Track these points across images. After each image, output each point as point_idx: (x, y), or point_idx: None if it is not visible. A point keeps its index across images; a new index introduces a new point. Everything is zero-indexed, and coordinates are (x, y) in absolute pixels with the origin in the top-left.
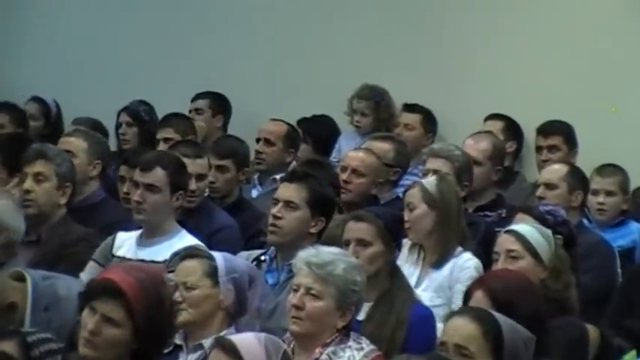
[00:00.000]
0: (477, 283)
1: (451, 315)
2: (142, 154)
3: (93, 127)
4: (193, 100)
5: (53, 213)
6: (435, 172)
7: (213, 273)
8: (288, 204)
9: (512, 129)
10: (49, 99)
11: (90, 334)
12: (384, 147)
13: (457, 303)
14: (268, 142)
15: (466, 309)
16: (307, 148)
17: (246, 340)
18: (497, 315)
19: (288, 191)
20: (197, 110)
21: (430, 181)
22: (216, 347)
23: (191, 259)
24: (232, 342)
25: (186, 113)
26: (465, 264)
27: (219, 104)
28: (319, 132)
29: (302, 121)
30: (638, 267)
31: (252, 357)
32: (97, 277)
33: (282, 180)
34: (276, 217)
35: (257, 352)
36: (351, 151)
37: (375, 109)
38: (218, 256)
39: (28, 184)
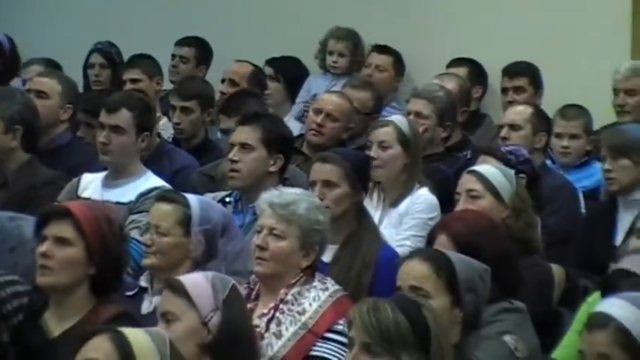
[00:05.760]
0: (439, 227)
1: (403, 260)
2: (97, 99)
3: (51, 67)
4: (178, 44)
5: (9, 157)
6: (417, 113)
7: (186, 221)
8: (243, 146)
9: (477, 73)
10: (1, 35)
11: (44, 258)
12: (364, 96)
13: (404, 234)
14: (233, 82)
15: (417, 251)
16: (278, 87)
17: (193, 278)
18: (448, 252)
19: (242, 134)
20: (182, 58)
21: (402, 121)
22: (166, 287)
23: (167, 202)
24: (180, 281)
25: (150, 54)
26: (418, 199)
27: (204, 54)
28: (291, 71)
29: (273, 61)
30: (597, 206)
31: (198, 293)
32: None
33: (236, 124)
34: (233, 162)
35: (204, 288)
36: (326, 94)
37: (353, 50)
38: (194, 203)
39: None
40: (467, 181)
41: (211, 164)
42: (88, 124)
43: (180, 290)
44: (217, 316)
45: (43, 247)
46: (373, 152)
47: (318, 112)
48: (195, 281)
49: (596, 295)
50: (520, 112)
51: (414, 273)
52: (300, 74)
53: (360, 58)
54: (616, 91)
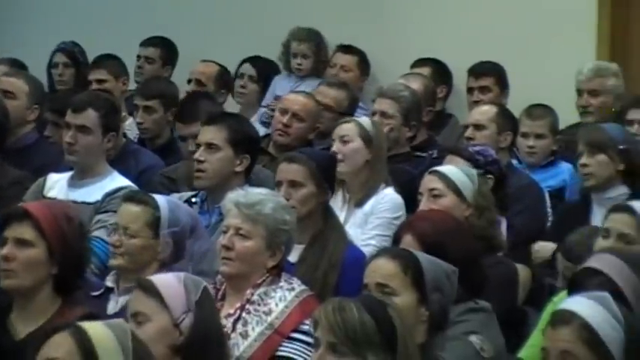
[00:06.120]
0: (405, 227)
1: (370, 258)
2: (65, 99)
3: (16, 67)
4: (143, 45)
5: None
6: (383, 113)
7: (155, 224)
8: (210, 146)
9: (441, 73)
10: None
11: (5, 261)
12: (340, 95)
13: (369, 233)
14: (199, 82)
15: (384, 249)
16: (256, 88)
17: (165, 279)
18: (416, 251)
19: (208, 133)
20: (147, 59)
21: (365, 120)
22: (137, 288)
23: (135, 204)
24: (152, 281)
25: (117, 54)
26: (384, 199)
27: (169, 54)
28: (269, 72)
29: (256, 61)
30: (567, 206)
31: (171, 294)
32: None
33: (202, 124)
34: (199, 162)
35: (176, 289)
36: (292, 94)
37: (317, 51)
38: (163, 204)
39: None
40: (429, 181)
41: (172, 166)
42: (56, 123)
43: (152, 291)
44: (190, 317)
45: (4, 250)
46: (335, 147)
47: (284, 112)
48: (168, 282)
49: (563, 294)
50: (484, 112)
51: (381, 270)
52: (274, 75)
53: (324, 58)
54: (579, 92)
